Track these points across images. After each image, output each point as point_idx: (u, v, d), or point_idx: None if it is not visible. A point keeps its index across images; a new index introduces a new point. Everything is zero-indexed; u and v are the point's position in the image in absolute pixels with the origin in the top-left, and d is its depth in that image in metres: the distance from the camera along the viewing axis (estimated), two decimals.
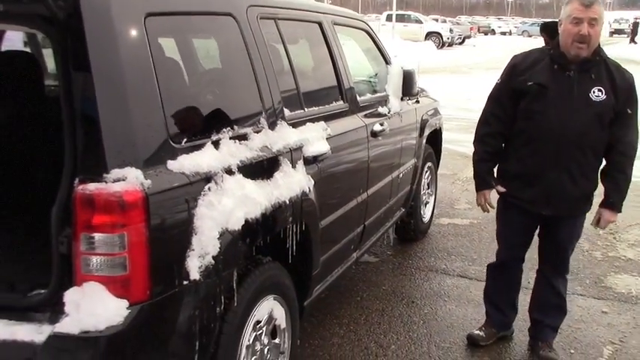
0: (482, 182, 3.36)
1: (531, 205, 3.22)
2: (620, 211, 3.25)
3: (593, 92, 3.02)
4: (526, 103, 3.12)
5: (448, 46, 36.14)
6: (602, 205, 3.24)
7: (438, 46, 33.79)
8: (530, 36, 48.11)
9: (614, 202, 3.20)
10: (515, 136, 3.21)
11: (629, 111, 3.08)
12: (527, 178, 3.18)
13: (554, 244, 3.34)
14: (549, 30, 3.17)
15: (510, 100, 3.18)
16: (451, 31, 38.05)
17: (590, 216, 3.34)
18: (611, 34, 61.81)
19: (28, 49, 3.76)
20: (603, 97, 3.01)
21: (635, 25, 42.31)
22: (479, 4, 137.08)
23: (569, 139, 3.03)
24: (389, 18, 34.29)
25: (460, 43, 39.67)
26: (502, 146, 3.30)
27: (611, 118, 3.05)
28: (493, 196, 3.39)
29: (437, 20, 41.93)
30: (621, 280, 4.52)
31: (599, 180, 3.24)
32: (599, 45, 3.06)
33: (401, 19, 35.83)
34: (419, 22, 37.15)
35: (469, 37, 42.86)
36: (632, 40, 40.80)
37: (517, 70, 3.17)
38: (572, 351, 3.51)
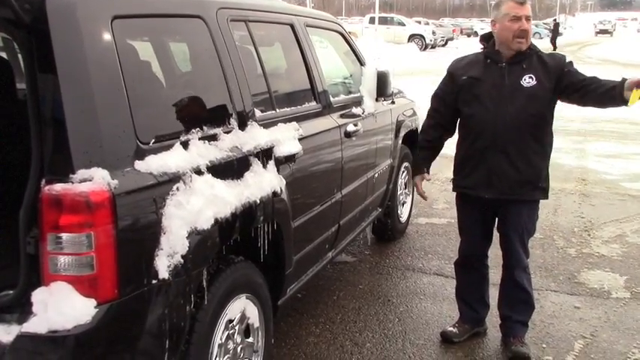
0: (415, 169, 3.70)
1: (474, 189, 3.38)
2: None
3: (524, 79, 3.24)
4: (463, 95, 3.36)
5: (431, 48, 36.32)
6: (620, 83, 3.04)
7: (420, 49, 33.99)
8: None
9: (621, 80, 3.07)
10: (459, 129, 3.46)
11: (571, 70, 3.24)
12: (471, 164, 3.37)
13: (503, 235, 3.45)
14: (486, 38, 3.44)
15: (449, 95, 3.45)
16: (434, 33, 38.26)
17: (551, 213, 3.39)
18: (597, 34, 63.19)
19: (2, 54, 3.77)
20: (534, 82, 3.23)
21: (556, 25, 39.65)
22: (462, 7, 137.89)
23: (505, 123, 3.22)
24: (372, 21, 34.45)
25: (443, 45, 39.89)
26: (441, 136, 3.55)
27: (546, 100, 3.22)
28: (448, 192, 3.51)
29: (420, 23, 42.16)
30: (594, 275, 4.59)
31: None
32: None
33: (384, 21, 35.97)
34: (402, 24, 37.32)
35: (452, 39, 43.12)
36: (553, 43, 36.76)
37: (456, 68, 3.46)
38: (544, 345, 3.57)
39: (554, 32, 38.25)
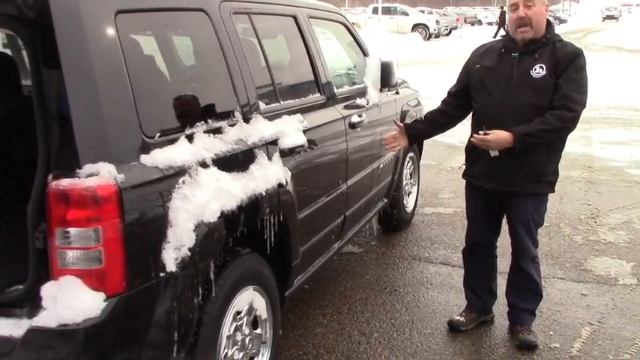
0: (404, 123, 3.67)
1: (476, 179, 3.38)
2: (516, 144, 3.08)
3: (534, 69, 3.16)
4: (474, 84, 3.35)
5: (435, 37, 36.19)
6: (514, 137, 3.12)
7: (424, 38, 33.86)
8: None
9: (514, 129, 3.08)
10: (472, 117, 3.42)
11: (560, 80, 3.11)
12: (476, 153, 3.35)
13: (510, 225, 3.44)
14: None
15: (462, 84, 3.45)
16: (437, 22, 38.09)
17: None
18: (604, 19, 63.85)
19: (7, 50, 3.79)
20: (543, 72, 3.14)
21: (502, 14, 37.60)
22: None
23: (509, 115, 3.16)
24: (375, 11, 34.35)
25: (447, 35, 39.75)
26: (440, 120, 3.55)
27: (553, 93, 3.13)
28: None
29: (423, 12, 41.96)
30: (601, 262, 4.59)
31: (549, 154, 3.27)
32: (549, 27, 3.22)
33: (387, 11, 35.87)
34: (405, 14, 37.17)
35: (455, 28, 42.94)
36: (499, 32, 34.92)
37: (473, 56, 3.45)
38: (551, 333, 3.58)
39: (502, 21, 37.49)
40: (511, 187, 3.27)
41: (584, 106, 3.16)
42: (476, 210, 3.54)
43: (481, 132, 3.14)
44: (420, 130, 3.63)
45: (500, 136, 3.10)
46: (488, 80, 3.28)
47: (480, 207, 3.50)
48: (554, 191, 3.40)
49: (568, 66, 3.13)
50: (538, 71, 3.15)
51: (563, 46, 3.21)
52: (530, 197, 3.32)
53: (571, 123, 3.14)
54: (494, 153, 3.19)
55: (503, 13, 38.12)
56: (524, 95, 3.16)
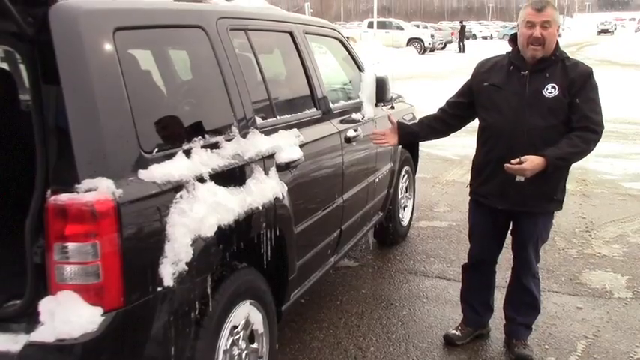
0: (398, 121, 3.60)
1: (487, 199, 3.35)
2: (547, 168, 3.05)
3: (546, 89, 3.14)
4: (482, 102, 3.31)
5: (430, 51, 36.43)
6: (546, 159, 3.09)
7: (419, 52, 34.11)
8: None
9: (546, 153, 3.05)
10: (479, 134, 3.39)
11: (577, 101, 3.11)
12: (486, 173, 3.32)
13: (517, 241, 3.43)
14: (515, 39, 3.30)
15: (464, 98, 3.43)
16: (432, 36, 38.37)
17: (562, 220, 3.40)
18: (599, 33, 65.14)
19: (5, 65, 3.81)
20: (556, 92, 3.12)
21: (463, 28, 38.92)
22: (460, 9, 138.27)
23: (522, 134, 3.14)
24: (370, 25, 34.61)
25: (442, 49, 40.03)
26: (434, 125, 3.52)
27: (567, 113, 3.12)
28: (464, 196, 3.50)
29: (418, 26, 42.28)
30: (596, 276, 4.62)
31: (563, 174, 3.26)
32: (557, 45, 3.21)
33: (382, 26, 36.14)
34: (400, 28, 37.45)
35: (450, 42, 43.24)
36: (461, 46, 36.85)
37: (478, 72, 3.40)
38: (546, 346, 3.59)
39: (461, 35, 37.88)
40: (524, 207, 3.25)
41: (603, 127, 3.16)
42: (482, 228, 3.49)
43: (514, 161, 3.04)
44: (412, 131, 3.59)
45: (535, 162, 3.02)
46: (497, 98, 3.23)
47: (487, 226, 3.45)
48: (562, 208, 3.39)
49: (583, 86, 3.13)
50: (550, 91, 3.12)
51: (573, 64, 3.19)
52: (541, 216, 3.32)
53: (594, 145, 3.14)
54: (519, 178, 3.12)
55: (463, 27, 38.79)
56: (537, 114, 3.12)
